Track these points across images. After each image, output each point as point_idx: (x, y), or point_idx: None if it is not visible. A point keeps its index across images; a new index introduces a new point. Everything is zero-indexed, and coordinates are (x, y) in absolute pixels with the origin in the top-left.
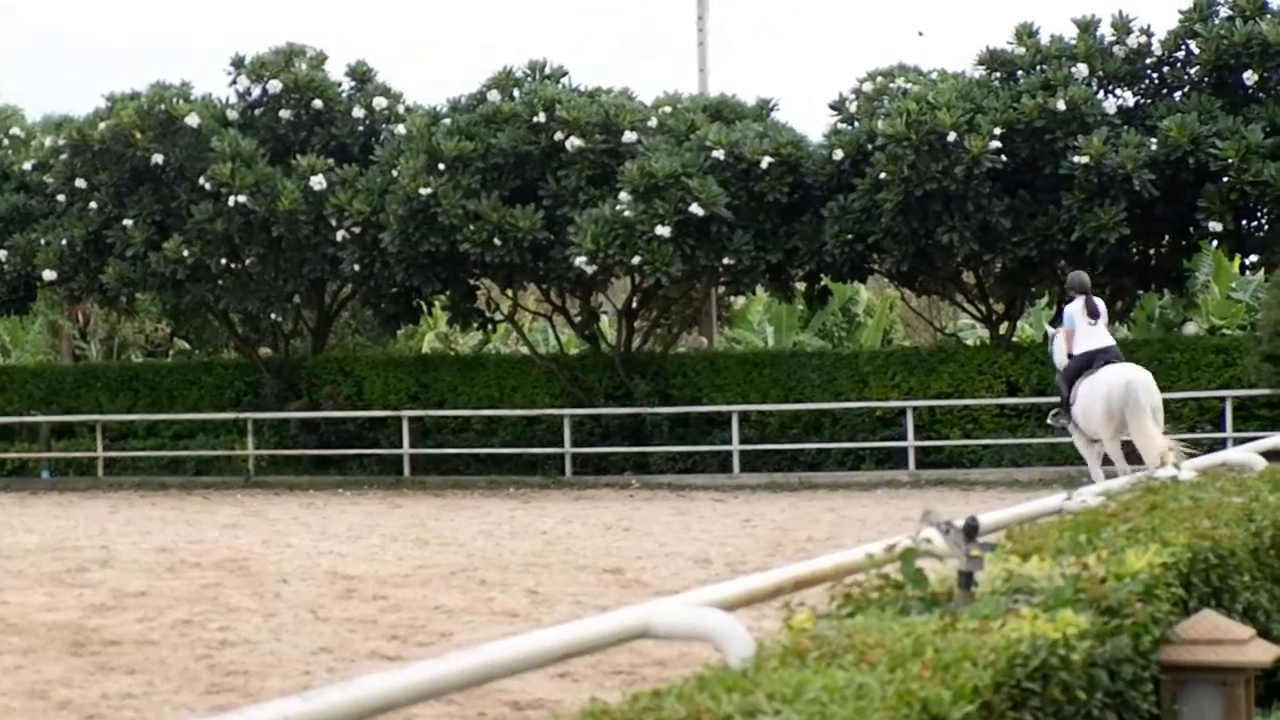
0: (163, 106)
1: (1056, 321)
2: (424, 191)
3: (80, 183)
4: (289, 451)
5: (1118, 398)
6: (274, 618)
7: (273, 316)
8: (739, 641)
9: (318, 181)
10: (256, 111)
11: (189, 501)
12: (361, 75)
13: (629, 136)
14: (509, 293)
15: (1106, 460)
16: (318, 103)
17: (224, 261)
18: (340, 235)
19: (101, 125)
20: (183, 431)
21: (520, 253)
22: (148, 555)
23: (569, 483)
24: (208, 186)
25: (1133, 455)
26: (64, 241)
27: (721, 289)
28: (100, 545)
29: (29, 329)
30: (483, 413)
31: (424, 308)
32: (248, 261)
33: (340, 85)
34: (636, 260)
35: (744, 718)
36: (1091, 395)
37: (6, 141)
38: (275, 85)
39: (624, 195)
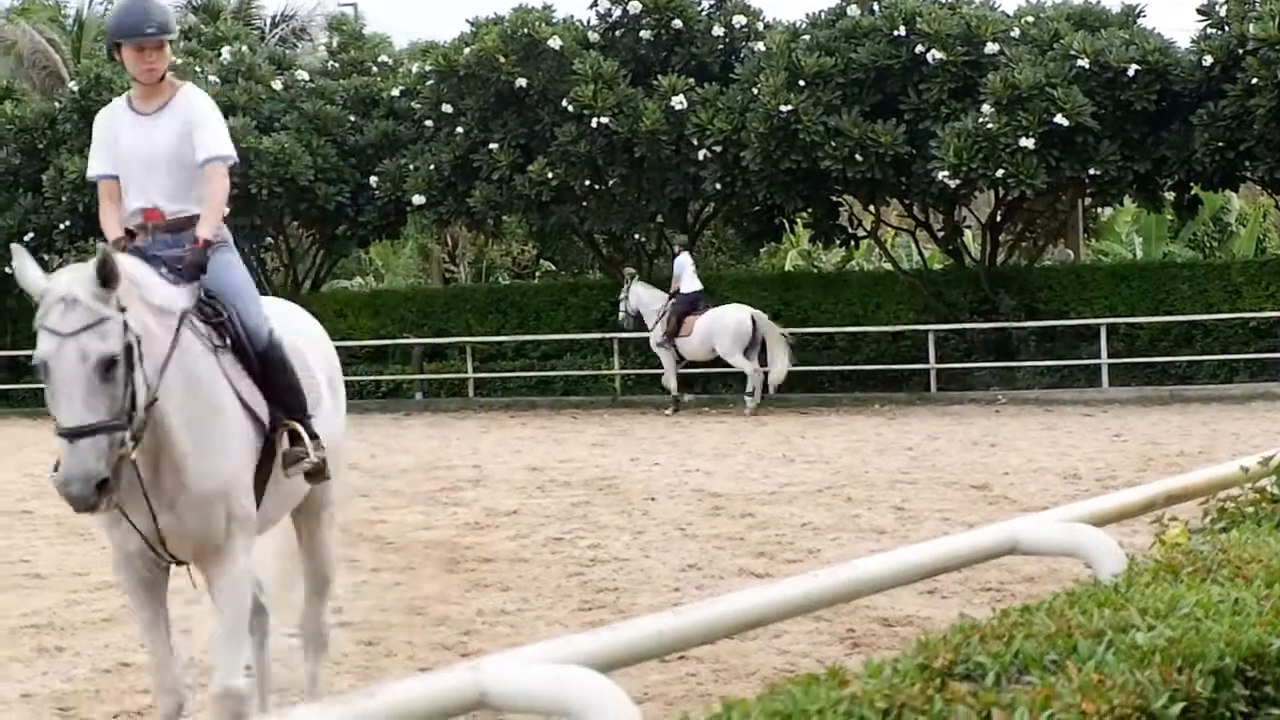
0: (525, 30)
1: None
2: (784, 109)
3: (447, 108)
4: (655, 370)
5: (747, 327)
6: (642, 535)
7: (636, 236)
8: (1110, 557)
9: (679, 101)
10: (617, 33)
11: (557, 421)
12: None
13: (991, 48)
14: (871, 209)
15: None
16: (677, 22)
17: (587, 183)
18: (702, 154)
19: (466, 50)
20: (550, 352)
21: (882, 168)
22: (518, 474)
23: (934, 399)
24: (570, 109)
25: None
26: (432, 166)
27: (1088, 200)
28: (472, 464)
29: (400, 253)
30: (846, 329)
31: (786, 225)
32: (611, 182)
33: (699, 4)
34: (1000, 173)
35: (1116, 633)
36: (719, 324)
37: (375, 69)
38: (635, 6)
39: (986, 107)
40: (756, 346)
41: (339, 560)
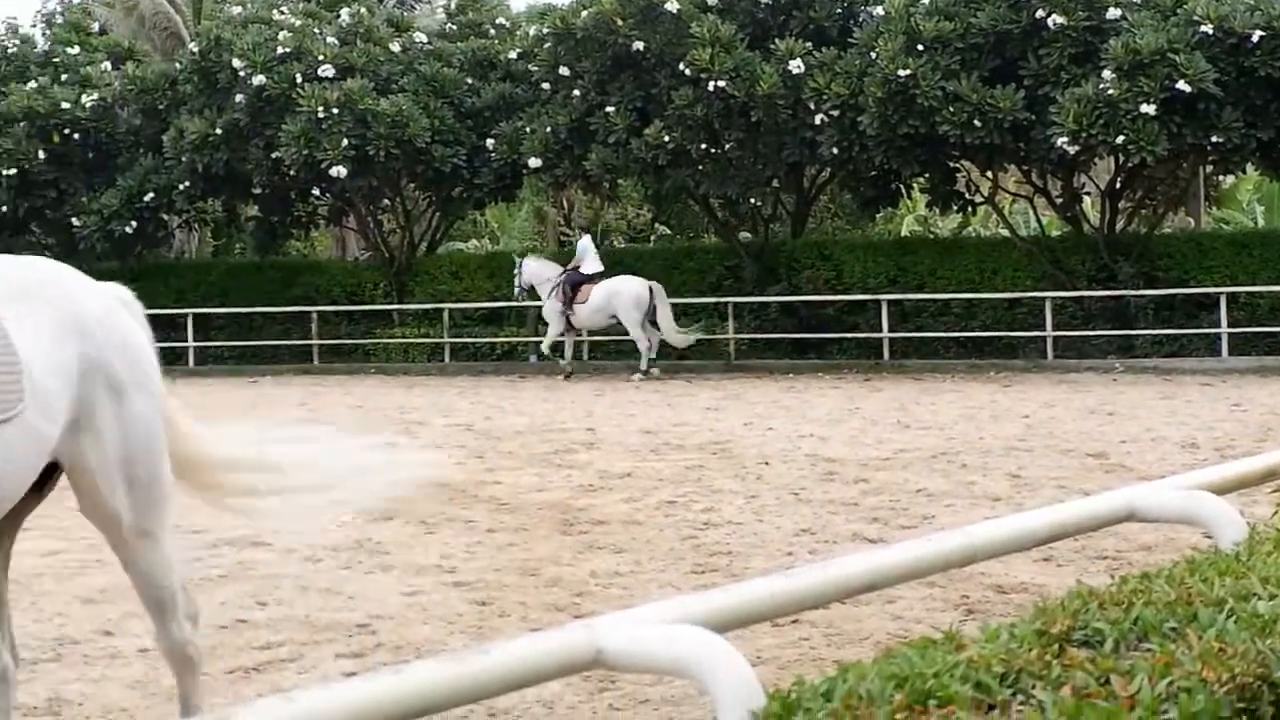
0: None
1: None
2: (903, 73)
3: (564, 70)
4: (768, 335)
5: (645, 296)
6: (756, 499)
7: (752, 201)
8: (1231, 525)
9: (796, 65)
10: None
11: (671, 385)
12: None
13: (1113, 12)
14: (989, 174)
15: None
16: None
17: (703, 146)
18: (818, 119)
19: (584, 13)
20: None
21: (1000, 134)
22: (632, 437)
23: (1051, 366)
24: (687, 72)
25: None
26: (548, 129)
27: (1209, 168)
28: (586, 427)
29: (516, 216)
30: (962, 296)
31: (903, 190)
32: (727, 146)
33: None
34: (1120, 139)
35: (1237, 601)
36: (621, 293)
37: (493, 31)
38: None
39: (1107, 73)
40: (649, 317)
41: (179, 578)
